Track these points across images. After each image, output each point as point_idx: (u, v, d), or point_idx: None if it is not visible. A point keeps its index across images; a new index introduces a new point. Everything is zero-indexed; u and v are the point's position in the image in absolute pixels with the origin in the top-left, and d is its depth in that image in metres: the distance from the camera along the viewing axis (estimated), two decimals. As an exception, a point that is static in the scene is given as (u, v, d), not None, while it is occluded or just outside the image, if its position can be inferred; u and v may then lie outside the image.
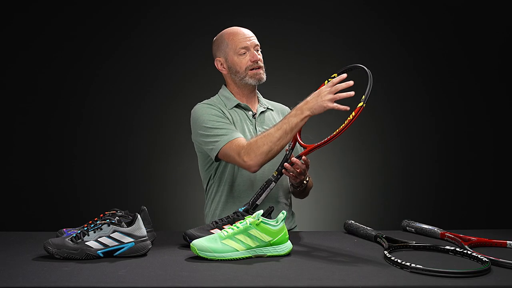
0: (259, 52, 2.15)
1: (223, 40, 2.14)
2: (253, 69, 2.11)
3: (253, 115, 2.17)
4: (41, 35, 3.59)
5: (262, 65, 2.13)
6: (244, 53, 2.10)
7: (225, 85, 2.22)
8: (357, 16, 3.74)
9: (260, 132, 2.09)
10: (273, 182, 1.86)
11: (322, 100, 1.78)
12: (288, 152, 1.92)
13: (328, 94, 1.78)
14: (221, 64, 2.16)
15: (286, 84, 3.50)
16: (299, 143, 1.93)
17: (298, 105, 1.85)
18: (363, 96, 1.73)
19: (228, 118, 2.10)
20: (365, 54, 3.68)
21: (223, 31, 2.18)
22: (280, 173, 1.88)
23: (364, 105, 1.72)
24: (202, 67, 3.64)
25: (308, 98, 1.83)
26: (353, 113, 1.73)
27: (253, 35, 2.15)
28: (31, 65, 3.59)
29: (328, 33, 3.73)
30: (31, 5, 3.57)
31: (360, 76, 1.78)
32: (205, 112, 2.09)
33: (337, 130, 1.76)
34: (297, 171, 1.91)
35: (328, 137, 1.78)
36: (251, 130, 2.14)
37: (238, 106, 2.17)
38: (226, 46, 2.12)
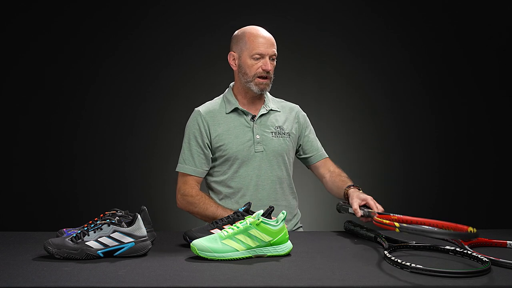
0: (275, 62, 2.13)
1: (243, 37, 2.11)
2: (261, 77, 2.09)
3: (252, 118, 2.15)
4: (40, 36, 3.59)
5: (271, 75, 2.12)
6: (258, 59, 2.08)
7: (232, 84, 2.22)
8: (357, 16, 3.73)
9: (258, 136, 2.12)
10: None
11: None
12: (372, 213, 1.92)
13: None
14: (233, 59, 2.14)
15: (286, 84, 3.50)
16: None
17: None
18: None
19: (208, 137, 2.12)
20: (365, 54, 3.67)
21: (246, 27, 2.15)
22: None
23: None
24: (202, 67, 3.66)
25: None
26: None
27: (274, 43, 2.12)
28: (30, 65, 3.59)
29: (328, 33, 3.72)
30: (32, 5, 3.57)
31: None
32: (189, 125, 2.17)
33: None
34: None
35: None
36: (247, 135, 2.13)
37: (236, 110, 2.15)
38: (244, 44, 2.09)
